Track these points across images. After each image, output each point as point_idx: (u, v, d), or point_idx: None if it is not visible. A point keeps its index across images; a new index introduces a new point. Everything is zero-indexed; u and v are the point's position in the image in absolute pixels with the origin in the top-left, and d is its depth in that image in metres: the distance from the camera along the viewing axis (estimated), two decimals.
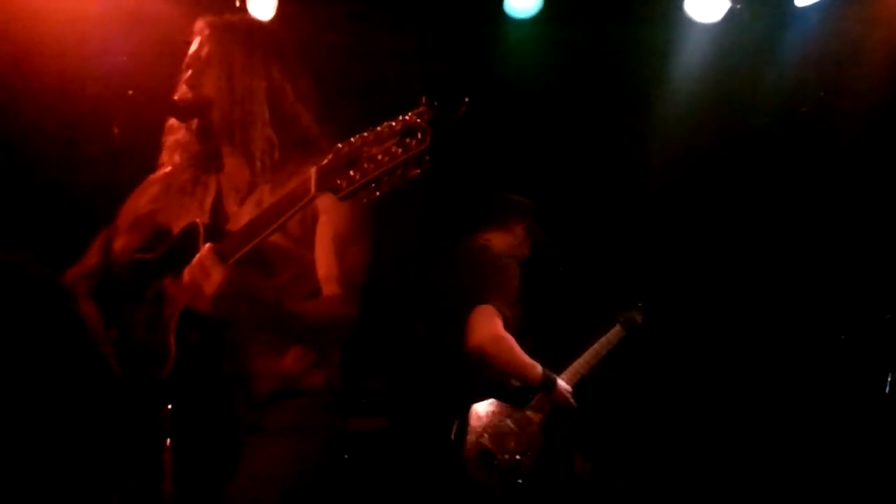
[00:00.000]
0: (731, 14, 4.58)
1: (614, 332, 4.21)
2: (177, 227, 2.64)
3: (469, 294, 3.90)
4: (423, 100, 1.87)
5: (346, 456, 2.53)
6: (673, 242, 4.62)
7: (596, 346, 4.18)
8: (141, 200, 2.79)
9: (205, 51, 2.58)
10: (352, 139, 1.98)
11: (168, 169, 2.73)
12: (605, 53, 4.65)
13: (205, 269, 2.13)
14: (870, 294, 4.53)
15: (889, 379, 4.41)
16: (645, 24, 4.66)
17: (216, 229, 2.46)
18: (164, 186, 2.75)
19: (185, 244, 2.40)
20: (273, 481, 2.39)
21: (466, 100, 1.84)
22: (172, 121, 2.66)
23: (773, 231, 4.65)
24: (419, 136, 1.86)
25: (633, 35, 4.64)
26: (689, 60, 4.64)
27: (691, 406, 4.66)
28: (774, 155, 4.53)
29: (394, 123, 1.92)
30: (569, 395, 4.02)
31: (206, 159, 2.68)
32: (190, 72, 2.58)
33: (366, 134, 1.96)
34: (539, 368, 3.94)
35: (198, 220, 2.48)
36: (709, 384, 4.61)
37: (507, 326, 3.88)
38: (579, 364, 4.14)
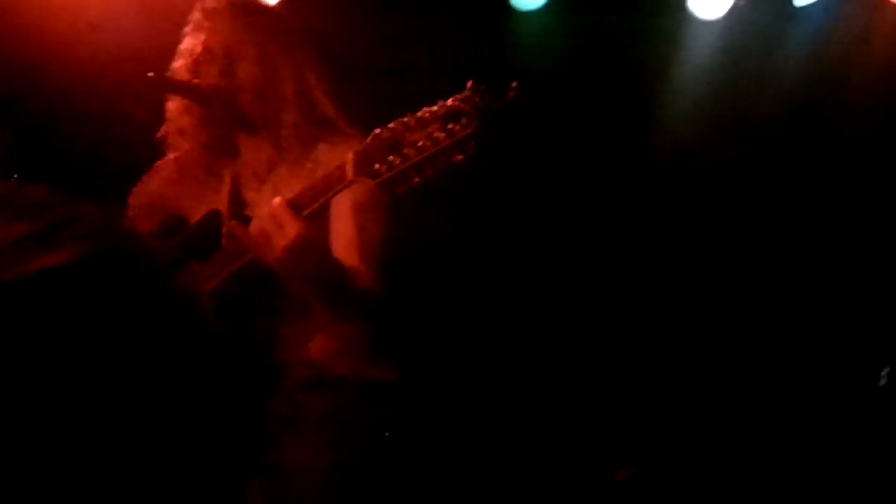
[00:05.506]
0: (734, 11, 4.58)
1: None
2: (192, 214, 2.62)
3: None
4: (469, 84, 1.85)
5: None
6: (673, 235, 4.62)
7: None
8: (151, 186, 2.78)
9: (230, 37, 2.56)
10: (391, 125, 1.96)
11: (177, 155, 2.71)
12: (608, 49, 4.64)
13: (278, 223, 2.10)
14: (868, 290, 4.56)
15: (883, 373, 4.44)
16: (648, 20, 4.65)
17: (237, 214, 2.44)
18: (176, 174, 2.73)
19: (207, 231, 2.38)
20: (308, 476, 2.37)
21: (514, 84, 1.82)
22: (172, 106, 2.65)
23: (772, 227, 4.67)
24: (464, 121, 1.84)
25: (636, 31, 4.63)
26: (693, 57, 4.64)
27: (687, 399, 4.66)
28: (779, 151, 4.55)
29: (435, 108, 1.90)
30: None
31: (218, 146, 2.67)
32: (219, 59, 2.55)
33: (406, 119, 1.94)
34: None
35: (219, 207, 2.47)
36: (704, 376, 4.61)
37: None
38: None
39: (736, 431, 4.40)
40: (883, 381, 4.47)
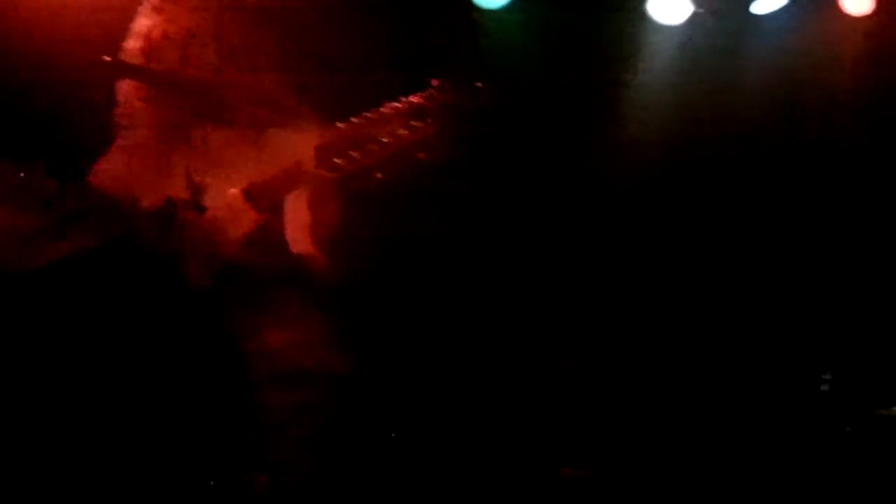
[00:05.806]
0: (694, 18, 4.63)
1: None
2: (147, 200, 2.58)
3: None
4: (435, 83, 1.85)
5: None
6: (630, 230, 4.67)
7: None
8: (105, 169, 2.73)
9: (190, 26, 2.54)
10: (353, 119, 1.96)
11: (129, 142, 2.67)
12: (570, 48, 4.66)
13: (234, 213, 2.09)
14: (817, 293, 4.63)
15: (825, 378, 4.52)
16: (609, 21, 4.68)
17: (193, 203, 2.41)
18: (128, 159, 2.69)
19: (161, 219, 2.34)
20: (292, 468, 2.35)
21: (480, 85, 1.81)
22: (124, 89, 2.61)
23: (720, 231, 4.72)
24: (428, 119, 1.84)
25: (597, 32, 4.66)
26: (653, 60, 4.68)
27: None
28: (740, 154, 4.61)
29: (399, 105, 1.90)
30: None
31: (171, 131, 2.64)
32: (178, 46, 2.52)
33: (369, 115, 1.94)
34: None
35: (173, 194, 2.43)
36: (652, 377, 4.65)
37: None
38: None
39: (680, 435, 4.45)
40: (825, 387, 4.55)
